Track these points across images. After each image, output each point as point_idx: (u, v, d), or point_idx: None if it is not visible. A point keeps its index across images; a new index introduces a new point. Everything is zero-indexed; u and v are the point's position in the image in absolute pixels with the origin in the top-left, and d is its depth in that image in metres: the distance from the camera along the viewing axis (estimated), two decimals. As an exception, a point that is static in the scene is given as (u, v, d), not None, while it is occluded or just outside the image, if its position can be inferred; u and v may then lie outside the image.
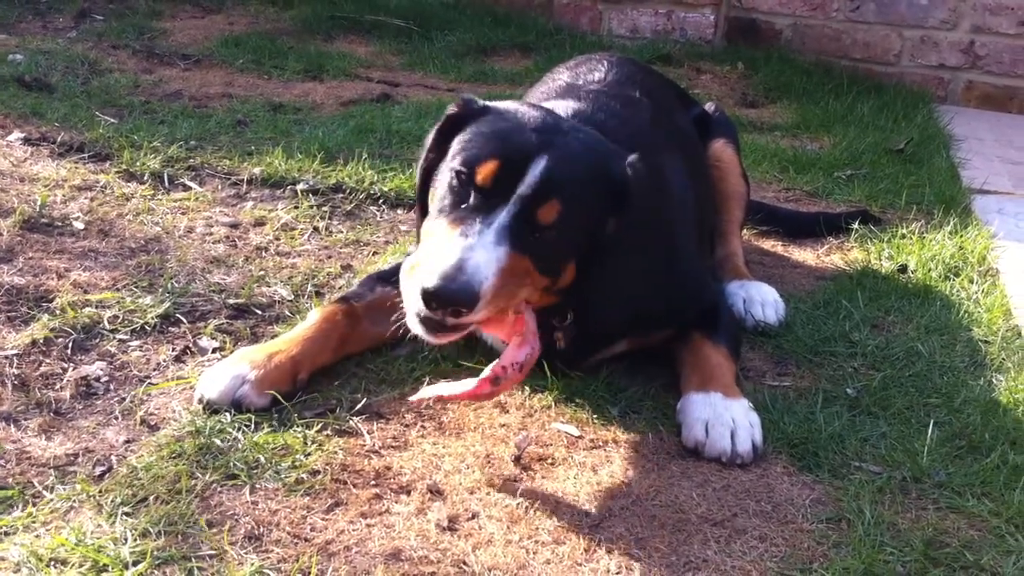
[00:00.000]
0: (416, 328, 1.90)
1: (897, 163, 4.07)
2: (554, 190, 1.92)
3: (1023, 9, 5.24)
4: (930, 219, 3.42)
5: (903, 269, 3.01)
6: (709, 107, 3.10)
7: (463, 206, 1.94)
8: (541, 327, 2.03)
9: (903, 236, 3.25)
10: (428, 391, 1.97)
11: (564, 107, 2.29)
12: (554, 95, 2.51)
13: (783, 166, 3.96)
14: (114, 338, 2.29)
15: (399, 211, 3.24)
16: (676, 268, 2.28)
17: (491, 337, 2.29)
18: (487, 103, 2.15)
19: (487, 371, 1.91)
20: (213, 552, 1.65)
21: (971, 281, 2.92)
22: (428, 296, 1.80)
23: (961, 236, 3.22)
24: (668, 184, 2.36)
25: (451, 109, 2.14)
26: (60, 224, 2.83)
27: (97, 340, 2.28)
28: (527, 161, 1.94)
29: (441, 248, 1.87)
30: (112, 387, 2.13)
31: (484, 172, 1.94)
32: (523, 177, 1.92)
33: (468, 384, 1.92)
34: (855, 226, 3.31)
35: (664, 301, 2.25)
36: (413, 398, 1.99)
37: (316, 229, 3.01)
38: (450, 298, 1.80)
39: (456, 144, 2.06)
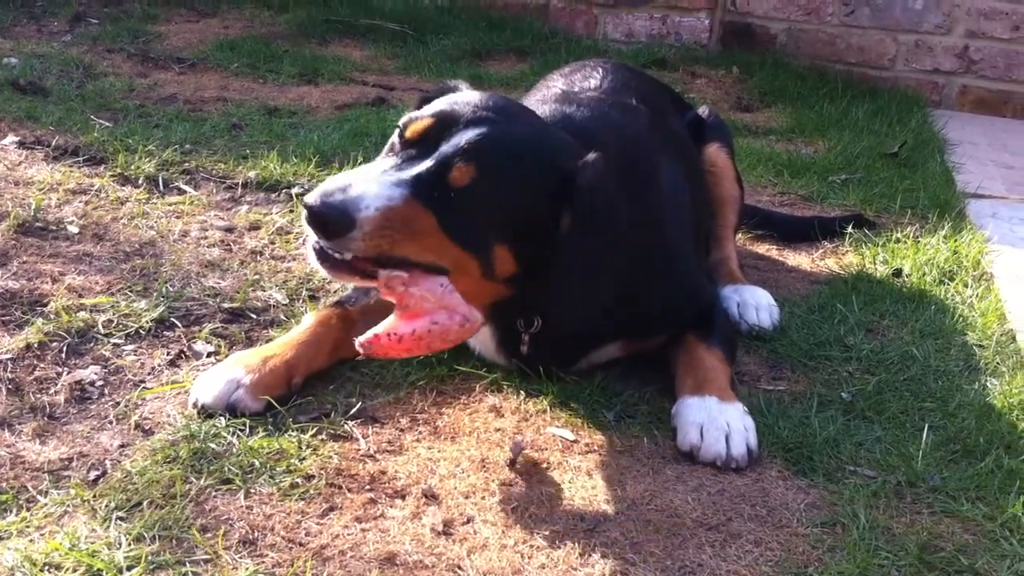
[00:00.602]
0: (309, 256, 1.91)
1: (892, 167, 4.07)
2: (473, 156, 1.90)
3: (1017, 14, 5.27)
4: (925, 223, 3.43)
5: (898, 273, 3.02)
6: (703, 111, 3.10)
7: (389, 155, 1.98)
8: (510, 331, 2.03)
9: (898, 240, 3.25)
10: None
11: (560, 114, 2.27)
12: (550, 102, 2.50)
13: (778, 170, 3.97)
14: (108, 342, 2.29)
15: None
16: (672, 271, 2.28)
17: (479, 346, 2.28)
18: (463, 85, 2.18)
19: (369, 333, 1.86)
20: (207, 557, 1.65)
21: (965, 285, 2.93)
22: (305, 210, 1.81)
23: (955, 240, 3.22)
24: (657, 190, 2.33)
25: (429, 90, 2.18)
26: (55, 228, 2.82)
27: (91, 344, 2.28)
28: (459, 127, 1.94)
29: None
30: (106, 391, 2.13)
31: (414, 127, 1.96)
32: (450, 139, 1.93)
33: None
34: (850, 230, 3.31)
35: (660, 304, 2.25)
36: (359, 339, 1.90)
37: (311, 233, 3.00)
38: (323, 215, 1.79)
39: None
